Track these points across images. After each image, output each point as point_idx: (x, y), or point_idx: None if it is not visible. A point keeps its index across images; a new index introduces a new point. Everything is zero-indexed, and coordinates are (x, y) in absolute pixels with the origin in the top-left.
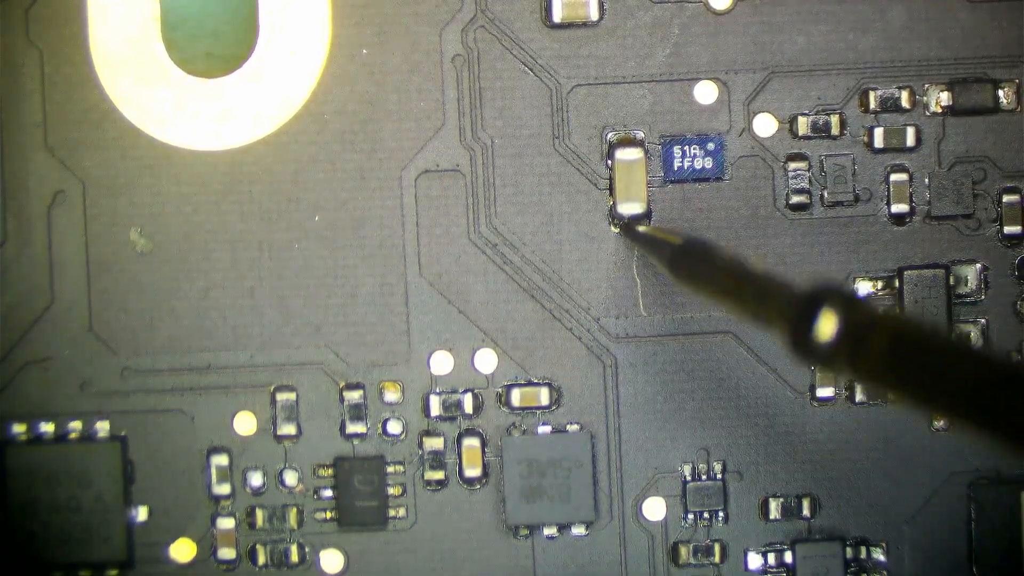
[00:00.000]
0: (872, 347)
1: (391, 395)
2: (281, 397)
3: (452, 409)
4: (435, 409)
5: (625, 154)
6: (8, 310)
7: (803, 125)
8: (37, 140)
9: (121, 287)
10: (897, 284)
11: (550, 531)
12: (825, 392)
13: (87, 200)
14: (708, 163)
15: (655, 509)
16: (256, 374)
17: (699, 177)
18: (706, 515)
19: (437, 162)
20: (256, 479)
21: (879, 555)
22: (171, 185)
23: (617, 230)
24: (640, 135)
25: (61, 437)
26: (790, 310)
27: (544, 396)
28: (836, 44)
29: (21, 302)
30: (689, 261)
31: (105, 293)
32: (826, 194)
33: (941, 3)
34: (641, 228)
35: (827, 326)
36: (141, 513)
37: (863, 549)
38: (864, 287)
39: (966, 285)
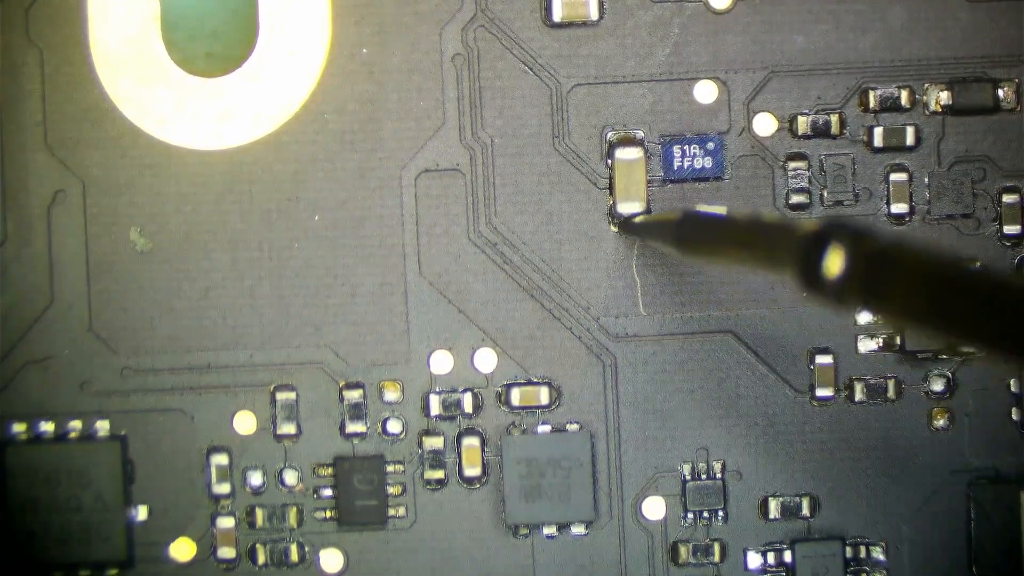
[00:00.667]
0: (882, 278)
1: (391, 394)
2: (281, 396)
3: (452, 408)
4: (435, 408)
5: (625, 153)
6: (8, 310)
7: (803, 125)
8: (37, 139)
9: (121, 287)
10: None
11: (550, 530)
12: (825, 392)
13: (87, 199)
14: (708, 162)
15: (655, 508)
16: (256, 373)
17: (699, 177)
18: (706, 514)
19: (437, 161)
20: (256, 478)
21: (879, 554)
22: (171, 185)
23: (616, 228)
24: (640, 134)
25: (61, 436)
26: (798, 250)
27: (544, 395)
28: (836, 44)
29: (21, 301)
30: (693, 232)
31: (105, 293)
32: (826, 194)
33: (941, 3)
34: (637, 219)
35: (835, 262)
36: (141, 512)
37: (863, 548)
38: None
39: None
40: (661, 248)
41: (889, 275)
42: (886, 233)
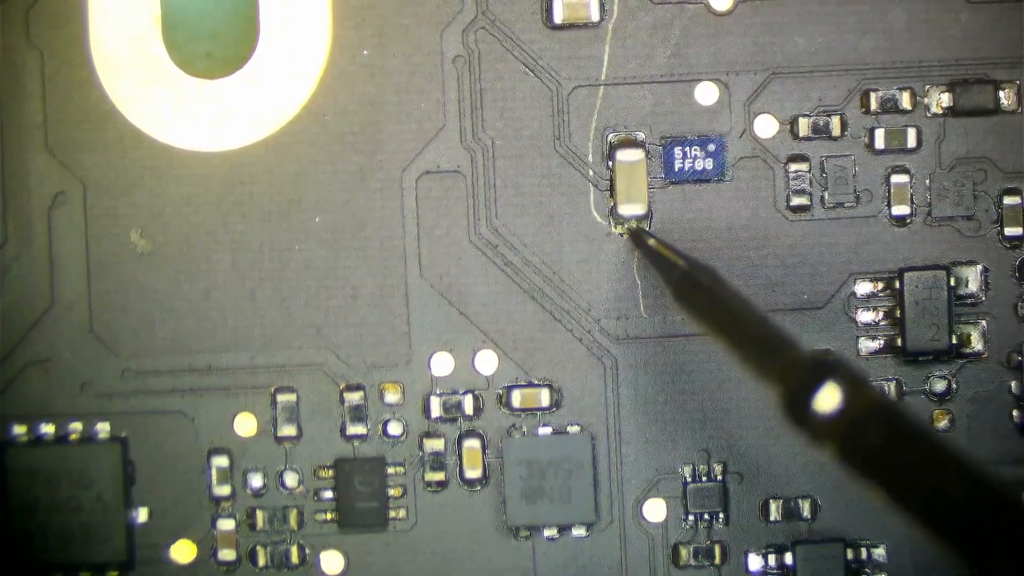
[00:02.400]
0: (865, 434)
1: (392, 396)
2: (282, 398)
3: (453, 410)
4: (436, 410)
5: (626, 155)
6: (8, 311)
7: (804, 126)
8: (37, 141)
9: (121, 288)
10: (898, 285)
11: (550, 532)
12: None
13: (87, 201)
14: (709, 164)
15: (655, 510)
16: (257, 375)
17: (700, 178)
18: (706, 516)
19: (438, 163)
20: (256, 480)
21: (880, 556)
22: (171, 186)
23: (621, 231)
24: (641, 136)
25: (62, 438)
26: (793, 372)
27: (545, 397)
28: (837, 45)
29: (21, 303)
30: (693, 287)
31: (105, 294)
32: (827, 195)
33: (942, 4)
34: (651, 241)
35: (828, 400)
36: (141, 514)
37: (863, 550)
38: (864, 288)
39: (967, 286)
40: (658, 280)
41: (872, 433)
42: (880, 392)
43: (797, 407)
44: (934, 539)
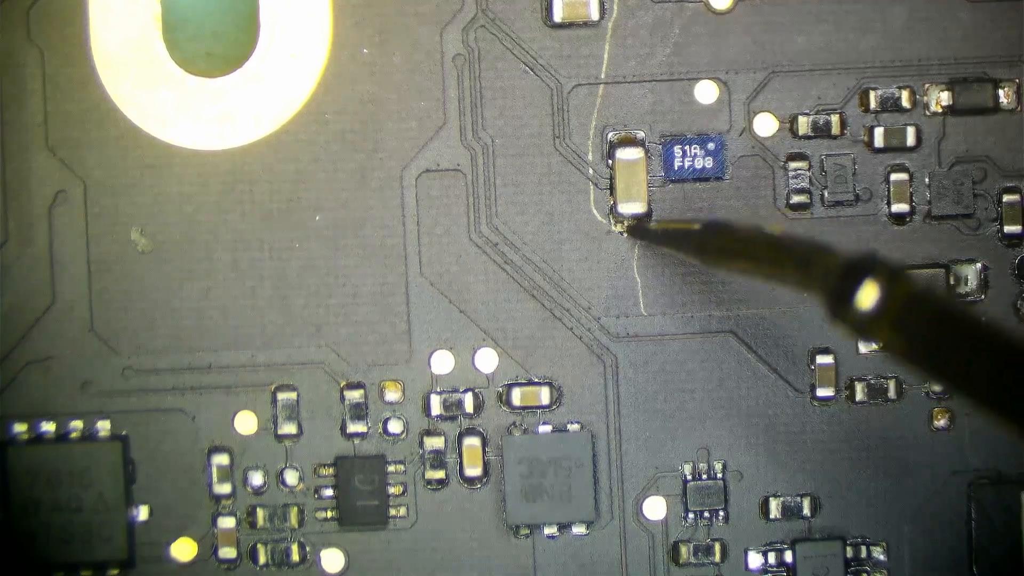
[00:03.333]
0: (910, 323)
1: (392, 394)
2: (282, 396)
3: (453, 408)
4: (436, 408)
5: (626, 154)
6: (9, 310)
7: (803, 125)
8: (38, 140)
9: (122, 287)
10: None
11: (550, 530)
12: (825, 392)
13: (88, 200)
14: (708, 163)
15: (656, 508)
16: (257, 373)
17: (700, 177)
18: (706, 514)
19: (438, 162)
20: (257, 478)
21: (879, 555)
22: (172, 185)
23: (621, 229)
24: (641, 135)
25: (62, 437)
26: (833, 276)
27: (545, 395)
28: (836, 44)
29: (22, 302)
30: (716, 241)
31: (106, 293)
32: (826, 194)
33: (941, 3)
34: (652, 225)
35: (868, 296)
36: (142, 512)
37: (863, 548)
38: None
39: (966, 284)
40: (677, 255)
41: (917, 320)
42: (919, 277)
43: (841, 308)
44: (997, 419)
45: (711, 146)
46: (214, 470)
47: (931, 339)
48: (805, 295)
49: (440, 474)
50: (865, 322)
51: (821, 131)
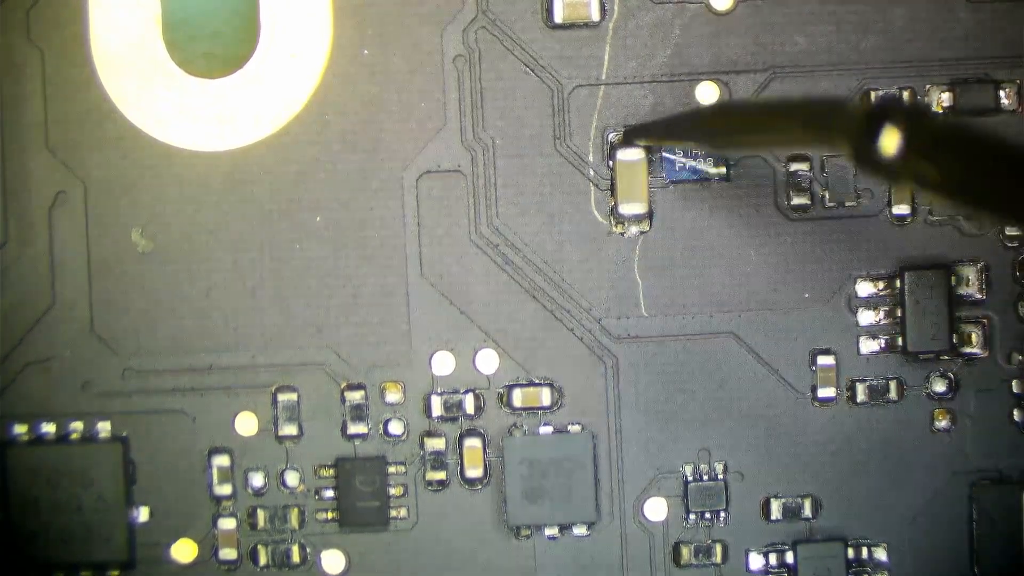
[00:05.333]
0: (937, 157)
1: (392, 395)
2: (283, 398)
3: (453, 409)
4: (436, 409)
5: (627, 155)
6: (9, 311)
7: None
8: (38, 141)
9: (122, 288)
10: (898, 284)
11: (551, 531)
12: (826, 392)
13: (88, 201)
14: (709, 164)
15: (656, 509)
16: (257, 375)
17: (700, 177)
18: (707, 515)
19: (438, 163)
20: (257, 479)
21: (880, 555)
22: (172, 186)
23: (622, 229)
24: None
25: (62, 438)
26: (850, 129)
27: (545, 396)
28: (837, 45)
29: (22, 303)
30: (724, 122)
31: (106, 294)
32: (827, 195)
33: (942, 3)
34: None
35: (892, 140)
36: (142, 514)
37: (864, 549)
38: (865, 288)
39: (967, 285)
40: (683, 145)
41: (945, 153)
42: (938, 114)
43: (867, 158)
44: None
45: None
46: (215, 471)
47: (960, 168)
48: (829, 150)
49: (441, 475)
50: (893, 164)
51: None
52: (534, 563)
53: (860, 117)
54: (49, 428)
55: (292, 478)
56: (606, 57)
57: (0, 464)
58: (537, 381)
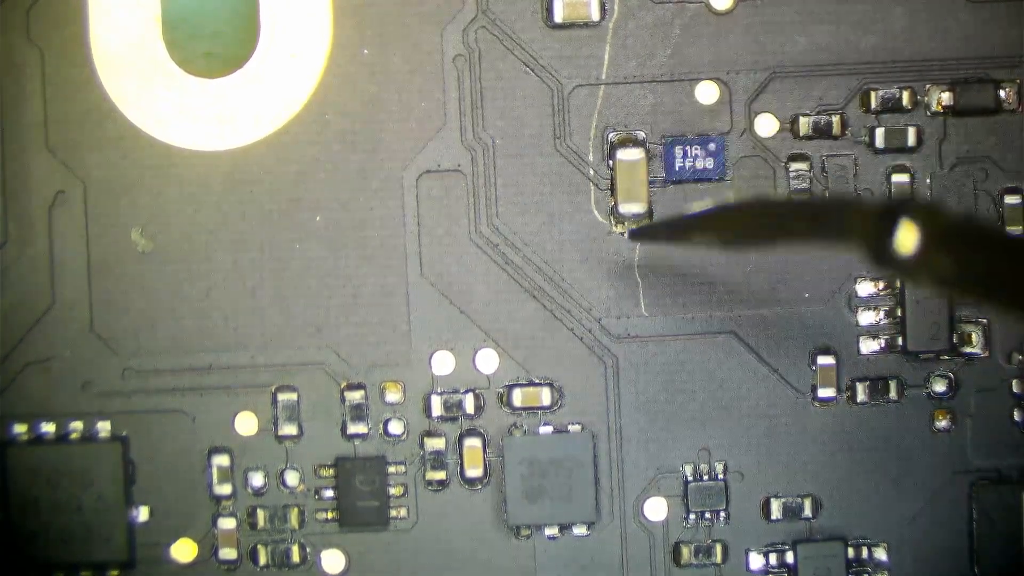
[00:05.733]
0: (954, 254)
1: (392, 395)
2: (282, 397)
3: (453, 409)
4: (436, 409)
5: (627, 154)
6: (9, 311)
7: (804, 125)
8: (38, 140)
9: (122, 287)
10: (898, 284)
11: (551, 531)
12: (827, 392)
13: (88, 200)
14: (709, 163)
15: (656, 509)
16: (257, 374)
17: (700, 177)
18: (707, 515)
19: (438, 162)
20: (257, 479)
21: (881, 555)
22: (172, 185)
23: (622, 230)
24: (641, 135)
25: (62, 437)
26: (866, 227)
27: (545, 396)
28: (837, 44)
29: (22, 303)
30: (732, 223)
31: (106, 293)
32: (827, 195)
33: (942, 3)
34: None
35: (908, 238)
36: (142, 513)
37: (864, 549)
38: (865, 288)
39: None
40: (690, 249)
41: (962, 251)
42: (954, 209)
43: (884, 256)
44: None
45: (712, 147)
46: (214, 471)
47: (976, 264)
48: (843, 251)
49: (441, 475)
50: (910, 262)
51: (822, 132)
52: (534, 563)
53: (875, 215)
54: (49, 428)
55: (292, 478)
56: (606, 57)
57: (0, 464)
58: (537, 381)
